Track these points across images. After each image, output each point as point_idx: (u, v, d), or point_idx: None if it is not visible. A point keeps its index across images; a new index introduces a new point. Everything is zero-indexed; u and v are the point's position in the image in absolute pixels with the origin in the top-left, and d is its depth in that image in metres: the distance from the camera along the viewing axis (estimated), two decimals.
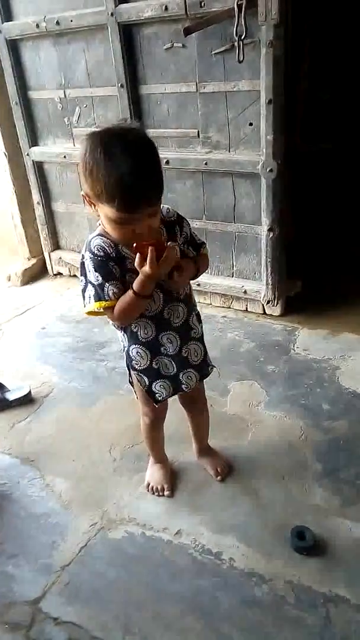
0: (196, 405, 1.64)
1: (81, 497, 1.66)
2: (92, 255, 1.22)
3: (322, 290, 2.70)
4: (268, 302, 2.51)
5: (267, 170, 2.18)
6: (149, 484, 1.66)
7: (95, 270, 1.22)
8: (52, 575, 1.43)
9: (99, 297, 1.24)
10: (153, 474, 1.68)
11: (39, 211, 3.11)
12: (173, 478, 1.68)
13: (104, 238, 1.23)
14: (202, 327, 1.49)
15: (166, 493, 1.63)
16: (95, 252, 1.22)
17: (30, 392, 2.13)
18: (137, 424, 1.91)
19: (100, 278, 1.22)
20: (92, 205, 1.18)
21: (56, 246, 3.21)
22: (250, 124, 2.21)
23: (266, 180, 2.21)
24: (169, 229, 1.31)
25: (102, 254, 1.22)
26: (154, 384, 1.44)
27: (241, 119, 2.23)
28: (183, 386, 1.46)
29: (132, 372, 1.45)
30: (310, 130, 2.88)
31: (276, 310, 2.52)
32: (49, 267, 3.27)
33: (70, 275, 3.19)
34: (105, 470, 1.76)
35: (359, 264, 2.93)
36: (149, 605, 1.34)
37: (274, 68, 2.00)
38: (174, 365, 1.43)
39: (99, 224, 1.26)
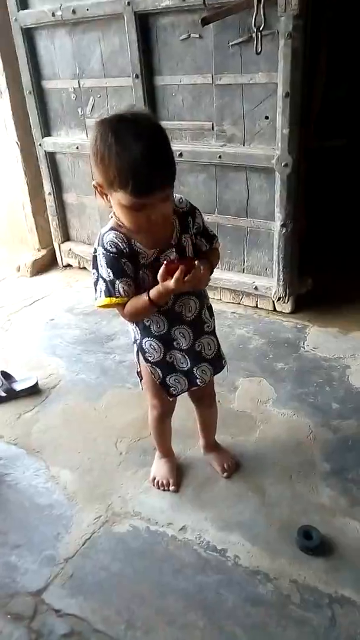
0: (205, 401, 1.62)
1: (86, 489, 1.66)
2: (104, 251, 1.21)
3: (333, 288, 2.67)
4: (279, 299, 2.48)
5: (282, 164, 2.15)
6: (154, 478, 1.65)
7: (107, 267, 1.21)
8: (56, 567, 1.42)
9: (109, 293, 1.23)
10: (159, 468, 1.66)
11: (49, 202, 3.09)
12: (179, 473, 1.67)
13: (116, 232, 1.21)
14: (214, 320, 1.47)
15: (172, 488, 1.61)
16: (108, 247, 1.20)
17: (37, 383, 2.12)
18: (143, 417, 1.91)
19: (111, 275, 1.21)
20: (104, 196, 1.17)
21: (66, 237, 3.20)
22: (266, 117, 2.18)
23: (281, 175, 2.18)
24: (182, 220, 1.29)
25: (114, 250, 1.20)
26: (168, 377, 1.43)
27: (257, 112, 2.19)
28: (198, 381, 1.44)
29: (145, 364, 1.43)
30: (325, 125, 2.84)
31: (287, 307, 2.49)
32: (58, 259, 3.26)
33: (79, 267, 3.18)
34: (111, 464, 1.75)
35: None
36: (153, 599, 1.33)
37: (292, 60, 1.96)
38: (187, 360, 1.41)
39: (111, 217, 1.24)
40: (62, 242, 3.19)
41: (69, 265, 3.24)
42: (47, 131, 2.91)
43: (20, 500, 1.64)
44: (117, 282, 1.21)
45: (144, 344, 1.39)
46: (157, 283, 1.20)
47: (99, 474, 1.71)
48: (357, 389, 1.99)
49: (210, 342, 1.44)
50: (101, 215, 2.96)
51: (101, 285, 1.24)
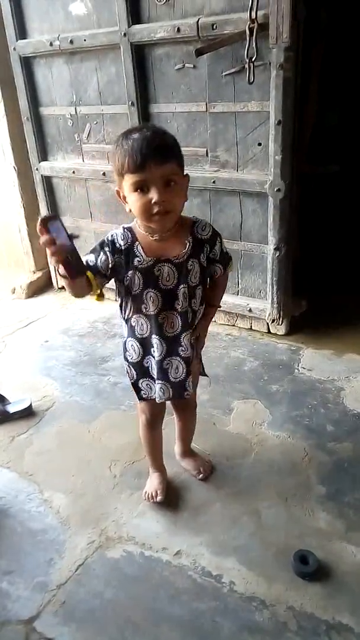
0: (184, 410, 1.67)
1: (80, 513, 1.63)
2: (104, 237, 1.33)
3: (327, 310, 2.69)
4: (273, 320, 2.50)
5: (275, 190, 2.19)
6: (145, 492, 1.66)
7: (96, 245, 1.33)
8: (48, 594, 1.39)
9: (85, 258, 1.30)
10: (150, 482, 1.69)
11: None
12: (168, 488, 1.68)
13: (126, 230, 1.32)
14: (193, 354, 1.46)
15: (158, 498, 1.63)
16: (108, 236, 1.33)
17: (31, 405, 2.11)
18: (138, 440, 1.89)
19: (93, 249, 1.32)
20: (124, 199, 1.26)
21: None
22: (259, 144, 2.23)
23: (273, 199, 2.22)
24: (197, 245, 1.34)
25: (110, 240, 1.32)
26: (141, 380, 1.49)
27: (250, 138, 2.25)
28: (156, 395, 1.47)
29: (124, 362, 1.49)
30: (318, 152, 2.91)
31: (281, 329, 2.51)
32: (54, 281, 3.28)
33: None
34: (105, 487, 1.73)
35: None
36: (147, 627, 1.30)
37: (284, 90, 2.02)
38: (155, 371, 1.44)
39: (135, 220, 1.33)
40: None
41: (63, 288, 3.24)
42: (44, 156, 2.96)
43: (12, 524, 1.61)
44: (89, 254, 1.32)
45: (127, 343, 1.45)
46: (147, 288, 1.32)
47: (93, 498, 1.69)
48: (351, 411, 1.99)
49: (180, 366, 1.43)
50: (97, 239, 2.97)
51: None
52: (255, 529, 1.54)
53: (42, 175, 2.98)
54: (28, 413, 2.09)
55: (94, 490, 1.72)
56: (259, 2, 1.92)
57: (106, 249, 1.31)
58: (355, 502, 1.60)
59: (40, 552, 1.51)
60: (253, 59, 2.01)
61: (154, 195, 1.18)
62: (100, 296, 1.36)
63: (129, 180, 1.19)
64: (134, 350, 1.44)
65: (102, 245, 1.32)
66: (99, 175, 2.74)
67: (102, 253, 1.31)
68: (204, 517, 1.59)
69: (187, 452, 1.77)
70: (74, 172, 2.84)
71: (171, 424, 1.74)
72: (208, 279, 1.44)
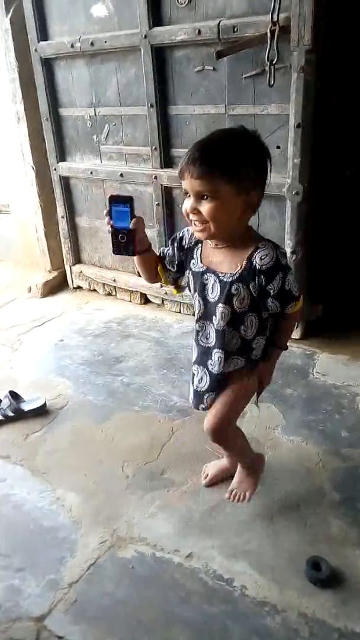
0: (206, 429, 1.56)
1: (92, 513, 1.64)
2: (183, 231, 1.38)
3: (343, 315, 2.67)
4: None
5: (293, 193, 2.18)
6: (206, 465, 1.74)
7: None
8: (59, 592, 1.40)
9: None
10: (217, 464, 1.73)
11: (62, 225, 3.15)
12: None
13: None
14: (225, 373, 1.38)
15: (203, 481, 1.69)
16: (178, 233, 1.38)
17: (45, 403, 2.12)
18: (151, 441, 1.90)
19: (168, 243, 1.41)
20: None
21: (77, 260, 3.24)
22: (278, 147, 2.22)
23: (291, 203, 2.21)
24: (250, 272, 1.24)
25: (180, 236, 1.37)
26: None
27: (269, 141, 2.20)
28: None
29: None
30: (337, 155, 2.88)
31: (296, 333, 2.49)
32: (69, 281, 3.30)
33: (90, 289, 3.21)
34: (117, 487, 1.73)
35: None
36: (157, 629, 1.30)
37: (304, 93, 2.01)
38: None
39: None
40: (73, 265, 3.23)
41: (79, 287, 3.27)
42: (62, 156, 2.99)
43: (25, 522, 1.62)
44: (165, 248, 1.42)
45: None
46: (196, 292, 1.34)
47: (105, 498, 1.69)
48: None
49: (204, 377, 1.42)
50: None
51: None
52: (267, 533, 1.53)
53: (60, 176, 3.00)
54: (42, 411, 2.10)
55: (106, 490, 1.72)
56: (281, 5, 1.91)
57: (175, 244, 1.37)
58: None
59: (52, 550, 1.52)
60: (274, 62, 2.00)
61: (186, 203, 1.20)
62: (177, 288, 1.45)
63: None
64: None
65: (173, 239, 1.38)
66: (116, 177, 2.75)
67: (170, 246, 1.38)
68: (216, 520, 1.59)
69: (236, 464, 1.66)
70: (91, 172, 2.85)
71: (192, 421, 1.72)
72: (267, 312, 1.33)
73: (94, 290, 3.19)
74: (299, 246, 2.29)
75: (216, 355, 1.37)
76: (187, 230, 1.34)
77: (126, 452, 1.88)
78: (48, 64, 2.78)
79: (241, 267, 1.25)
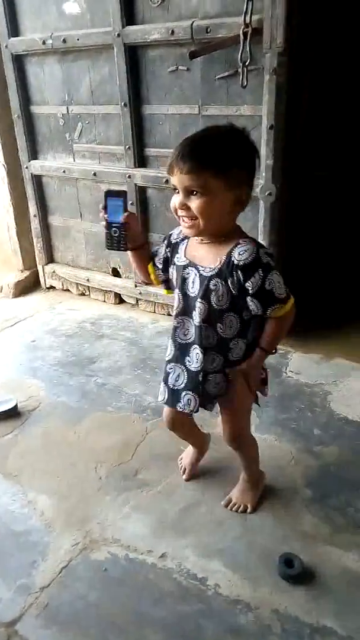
0: (223, 432, 1.55)
1: (64, 515, 1.61)
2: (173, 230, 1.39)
3: (315, 314, 2.70)
4: None
5: (266, 193, 2.20)
6: (181, 458, 1.75)
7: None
8: (31, 596, 1.37)
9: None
10: (187, 453, 1.75)
11: (34, 224, 3.10)
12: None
13: None
14: (202, 368, 1.34)
15: (184, 477, 1.71)
16: (174, 230, 1.37)
17: (16, 405, 2.08)
18: (124, 442, 1.89)
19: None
20: None
21: (50, 259, 3.20)
22: None
23: (264, 203, 2.23)
24: (228, 268, 1.22)
25: (169, 233, 1.38)
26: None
27: None
28: (159, 394, 1.50)
29: None
30: (308, 157, 2.93)
31: None
32: (42, 280, 3.25)
33: (63, 289, 3.17)
34: (90, 489, 1.71)
35: (352, 289, 2.95)
36: (131, 630, 1.29)
37: (277, 95, 2.03)
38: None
39: None
40: (46, 264, 3.19)
41: (52, 287, 3.23)
42: (34, 154, 2.95)
43: None
44: (156, 248, 1.42)
45: None
46: (177, 286, 1.33)
47: (78, 500, 1.67)
48: (338, 415, 2.00)
49: (182, 375, 1.41)
50: (86, 239, 2.97)
51: None
52: (241, 532, 1.54)
53: (32, 174, 2.96)
54: (13, 413, 2.07)
55: (79, 491, 1.70)
56: (254, 7, 1.93)
57: (165, 240, 1.38)
58: (340, 506, 1.60)
59: (23, 553, 1.49)
60: (247, 63, 2.01)
61: (175, 199, 1.20)
62: (167, 288, 1.43)
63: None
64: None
65: (166, 238, 1.39)
66: (89, 175, 2.73)
67: (162, 245, 1.39)
68: (190, 519, 1.58)
69: (242, 478, 1.64)
70: (64, 171, 2.82)
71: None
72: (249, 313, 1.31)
73: (67, 290, 3.16)
74: (272, 246, 2.30)
75: (194, 351, 1.35)
76: (177, 228, 1.35)
77: (99, 453, 1.86)
78: (19, 61, 2.74)
79: (220, 262, 1.23)
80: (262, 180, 2.20)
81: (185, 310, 1.34)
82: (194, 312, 1.31)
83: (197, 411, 1.42)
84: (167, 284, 1.43)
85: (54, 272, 3.16)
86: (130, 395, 2.16)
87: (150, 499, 1.65)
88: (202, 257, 1.28)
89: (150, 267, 1.42)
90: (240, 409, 1.49)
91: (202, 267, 1.27)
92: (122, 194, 1.28)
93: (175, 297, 1.35)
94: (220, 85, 2.20)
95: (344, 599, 1.34)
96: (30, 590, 1.39)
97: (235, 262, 1.20)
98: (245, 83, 2.05)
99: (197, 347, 1.34)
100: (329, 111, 3.13)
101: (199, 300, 1.28)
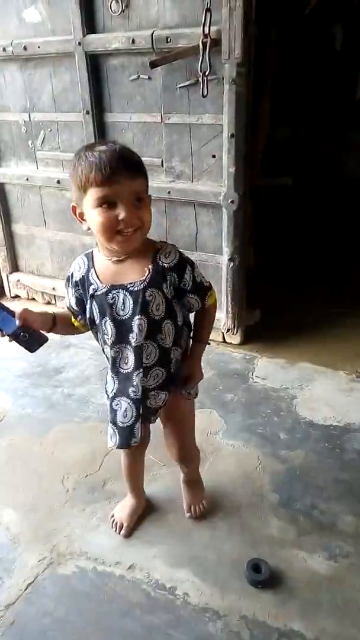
0: (174, 453, 1.55)
1: (30, 529, 1.59)
2: (68, 271, 1.29)
3: (281, 319, 2.75)
4: (228, 330, 2.52)
5: (229, 201, 2.23)
6: (112, 516, 1.60)
7: (65, 281, 1.30)
8: None
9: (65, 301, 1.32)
10: (122, 507, 1.61)
11: None
12: (140, 518, 1.61)
13: (85, 259, 1.26)
14: (147, 389, 1.31)
15: (123, 532, 1.56)
16: (69, 270, 1.28)
17: None
18: (92, 453, 1.88)
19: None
20: (82, 215, 1.18)
21: (15, 268, 3.15)
22: (213, 156, 2.26)
23: (227, 211, 2.26)
24: (158, 274, 1.21)
25: (70, 272, 1.27)
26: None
27: (204, 150, 2.28)
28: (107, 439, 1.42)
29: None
30: (271, 165, 2.98)
31: (236, 338, 2.54)
32: (6, 290, 3.20)
33: (28, 298, 3.13)
34: (57, 501, 1.69)
35: (316, 294, 3.02)
36: None
37: (237, 104, 2.06)
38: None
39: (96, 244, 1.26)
40: (11, 273, 3.13)
41: (17, 297, 3.18)
42: None
43: None
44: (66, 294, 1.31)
45: (107, 375, 1.39)
46: (103, 317, 1.23)
47: (45, 513, 1.65)
48: (304, 419, 2.03)
49: (128, 409, 1.33)
50: (51, 247, 2.94)
51: None
52: (209, 539, 1.54)
53: None
54: None
55: (46, 505, 1.68)
56: (212, 18, 1.95)
57: (69, 286, 1.27)
58: (305, 509, 1.63)
59: None
60: (207, 73, 2.04)
61: (121, 211, 1.10)
62: (84, 326, 1.31)
63: (94, 194, 1.10)
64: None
65: (67, 282, 1.28)
66: (53, 183, 2.70)
67: (68, 291, 1.27)
68: (158, 529, 1.58)
69: (189, 481, 1.64)
70: (27, 179, 2.79)
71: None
72: (188, 313, 1.33)
73: (33, 299, 3.11)
74: (236, 253, 2.33)
75: (137, 377, 1.27)
76: (75, 263, 1.26)
77: (66, 465, 1.84)
78: None
79: (149, 271, 1.20)
80: (225, 188, 2.23)
81: (121, 337, 1.24)
82: (130, 335, 1.23)
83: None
84: (90, 323, 1.29)
85: (18, 281, 3.11)
86: (97, 405, 2.15)
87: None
88: (123, 274, 1.21)
89: (74, 321, 1.30)
90: (191, 427, 1.48)
91: (129, 284, 1.20)
92: None
93: (104, 328, 1.24)
94: (181, 94, 2.22)
95: (311, 601, 1.36)
96: None
97: (166, 265, 1.21)
98: (206, 92, 2.07)
99: (138, 370, 1.27)
100: (290, 119, 3.20)
101: (137, 317, 1.20)
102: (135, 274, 1.20)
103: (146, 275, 1.20)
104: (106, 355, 1.33)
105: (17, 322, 1.14)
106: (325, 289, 3.08)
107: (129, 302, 1.20)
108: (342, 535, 1.54)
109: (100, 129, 2.47)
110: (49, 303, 3.06)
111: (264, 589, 1.39)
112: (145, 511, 1.63)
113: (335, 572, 1.43)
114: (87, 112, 2.44)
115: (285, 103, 3.05)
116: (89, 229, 1.18)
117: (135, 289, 1.20)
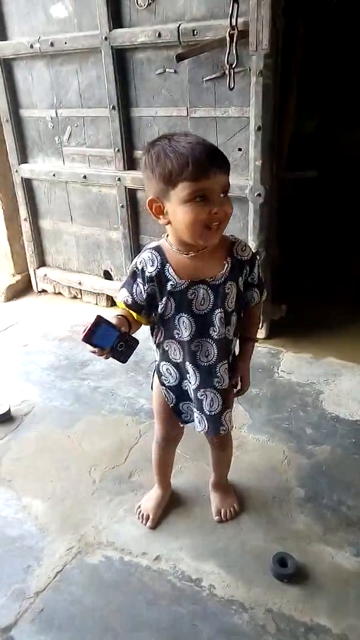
0: (219, 446, 1.54)
1: (59, 519, 1.62)
2: (134, 264, 1.24)
3: (306, 314, 2.72)
4: None
5: (255, 194, 2.21)
6: (139, 507, 1.62)
7: (128, 276, 1.25)
8: (26, 602, 1.37)
9: (120, 297, 1.25)
10: (149, 499, 1.62)
11: (25, 228, 3.10)
12: (166, 510, 1.62)
13: (155, 253, 1.21)
14: (231, 381, 1.37)
15: (148, 524, 1.57)
16: (137, 262, 1.23)
17: (9, 410, 2.08)
18: (118, 445, 1.90)
19: (125, 282, 1.25)
20: (160, 210, 1.15)
21: (42, 263, 3.19)
22: (239, 149, 2.25)
23: (254, 204, 2.24)
24: (236, 267, 1.23)
25: (139, 268, 1.22)
26: (181, 403, 1.41)
27: (230, 144, 2.26)
28: (195, 424, 1.40)
29: (160, 386, 1.41)
30: (297, 158, 2.94)
31: (261, 333, 2.52)
32: (33, 284, 3.25)
33: (55, 293, 3.17)
34: (84, 492, 1.72)
35: (342, 289, 2.97)
36: (125, 633, 1.29)
37: (264, 96, 2.04)
38: (193, 399, 1.37)
39: (163, 237, 1.24)
40: (38, 268, 3.18)
41: (44, 291, 3.23)
42: (24, 158, 2.94)
43: None
44: (123, 289, 1.25)
45: (161, 367, 1.37)
46: (179, 312, 1.23)
47: (72, 504, 1.67)
48: (330, 414, 2.01)
49: (215, 399, 1.33)
50: (77, 242, 2.97)
51: (122, 287, 1.27)
52: (234, 532, 1.55)
53: (22, 178, 2.95)
54: (6, 418, 2.06)
55: (73, 495, 1.70)
56: (239, 10, 1.94)
57: (139, 280, 1.22)
58: (332, 504, 1.62)
59: (18, 559, 1.49)
60: (233, 66, 2.02)
61: (214, 206, 1.08)
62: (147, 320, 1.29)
63: (187, 188, 1.07)
64: (170, 374, 1.36)
65: (134, 276, 1.22)
66: (79, 178, 2.73)
67: (135, 285, 1.22)
68: (184, 521, 1.59)
69: (218, 484, 1.64)
70: (54, 174, 2.82)
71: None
72: (246, 306, 1.34)
73: (59, 293, 3.15)
74: (262, 247, 2.32)
75: (221, 369, 1.30)
76: (143, 259, 1.22)
77: (93, 456, 1.86)
78: (7, 65, 2.74)
79: (228, 264, 1.21)
80: (251, 181, 2.21)
81: (202, 332, 1.25)
82: (211, 329, 1.25)
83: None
84: (159, 318, 1.28)
85: (45, 275, 3.16)
86: (123, 398, 2.17)
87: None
88: (202, 269, 1.20)
89: (138, 317, 1.25)
90: (230, 421, 1.47)
91: (210, 278, 1.20)
92: (98, 321, 1.07)
93: (178, 323, 1.25)
94: (207, 87, 2.21)
95: (337, 597, 1.35)
96: (25, 596, 1.39)
97: (243, 258, 1.24)
98: (232, 85, 2.06)
99: (224, 362, 1.30)
100: (316, 111, 3.16)
101: (218, 310, 1.23)
102: (214, 267, 1.21)
103: (226, 268, 1.21)
104: (163, 349, 1.32)
105: (121, 330, 1.11)
106: (351, 284, 3.04)
107: (209, 296, 1.22)
108: None
109: (127, 124, 2.48)
110: (75, 297, 3.10)
111: (290, 584, 1.39)
112: (171, 504, 1.65)
113: None
114: (113, 107, 2.45)
115: (312, 95, 3.01)
116: (168, 223, 1.15)
117: (217, 282, 1.21)
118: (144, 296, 1.22)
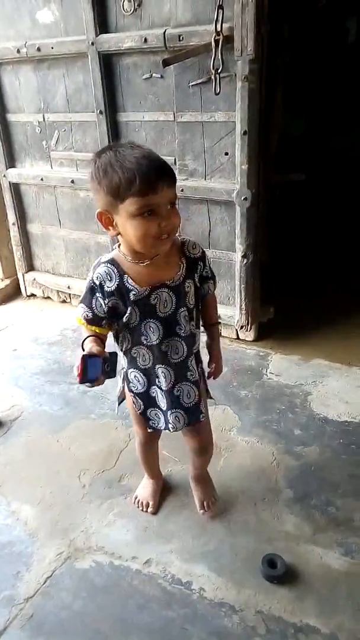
0: (199, 434, 1.53)
1: (48, 524, 1.61)
2: (90, 279, 1.25)
3: (294, 316, 2.74)
4: (241, 327, 2.53)
5: (242, 198, 2.23)
6: (136, 497, 1.65)
7: (85, 290, 1.26)
8: (15, 608, 1.37)
9: (80, 313, 1.27)
10: (143, 487, 1.67)
11: (13, 232, 3.09)
12: (162, 496, 1.67)
13: (110, 267, 1.23)
14: (200, 370, 1.44)
15: (150, 510, 1.62)
16: (94, 278, 1.24)
17: None
18: (108, 449, 1.90)
19: (84, 298, 1.26)
20: (110, 222, 1.17)
21: (30, 267, 3.19)
22: (226, 154, 2.26)
23: (240, 208, 2.26)
24: (190, 265, 1.29)
25: (97, 283, 1.23)
26: (149, 410, 1.43)
27: (217, 148, 2.28)
28: (170, 426, 1.41)
29: (128, 393, 1.43)
30: (284, 161, 2.97)
31: (249, 335, 2.54)
32: (22, 288, 3.24)
33: (44, 297, 3.16)
34: (74, 497, 1.71)
35: (330, 290, 3.00)
36: (116, 638, 1.30)
37: (249, 101, 2.06)
38: (165, 402, 1.39)
39: (114, 248, 1.27)
40: (26, 272, 3.17)
41: (33, 295, 3.22)
42: (11, 162, 2.93)
43: None
44: (81, 305, 1.26)
45: (129, 374, 1.39)
46: (145, 319, 1.26)
47: (62, 508, 1.67)
48: (318, 415, 2.03)
49: (191, 391, 1.39)
50: (66, 246, 2.97)
51: (80, 304, 1.28)
52: (224, 534, 1.55)
53: (9, 182, 2.95)
54: None
55: (63, 500, 1.70)
56: (224, 15, 1.95)
57: (97, 294, 1.23)
58: (321, 505, 1.63)
59: (7, 565, 1.49)
60: (219, 71, 2.04)
61: (161, 219, 1.12)
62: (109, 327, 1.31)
63: (134, 203, 1.09)
64: (138, 381, 1.38)
65: (92, 291, 1.24)
66: (67, 183, 2.73)
67: (94, 300, 1.23)
68: (174, 524, 1.60)
69: (200, 477, 1.65)
70: (42, 179, 2.82)
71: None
72: (202, 298, 1.40)
73: (48, 297, 3.15)
74: (249, 250, 2.33)
75: (191, 360, 1.38)
76: (100, 275, 1.22)
77: (83, 461, 1.86)
78: None
79: (183, 264, 1.28)
80: (238, 185, 2.23)
81: (169, 332, 1.30)
82: (178, 327, 1.29)
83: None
84: (123, 326, 1.30)
85: (34, 280, 3.15)
86: (112, 402, 2.16)
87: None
88: (160, 273, 1.24)
89: (100, 330, 1.26)
90: (206, 408, 1.50)
91: (168, 280, 1.25)
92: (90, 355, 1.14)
93: (145, 329, 1.28)
94: (194, 92, 2.23)
95: (327, 597, 1.36)
96: (15, 602, 1.38)
97: (195, 256, 1.31)
98: (218, 90, 2.08)
99: (192, 356, 1.38)
100: (303, 114, 3.19)
101: (181, 309, 1.28)
102: (171, 269, 1.26)
103: (182, 268, 1.27)
104: (131, 356, 1.35)
105: (103, 354, 1.16)
106: (340, 286, 3.06)
107: (172, 297, 1.26)
108: (358, 531, 1.54)
109: (114, 129, 2.49)
110: (64, 302, 3.09)
111: (280, 585, 1.39)
112: (161, 506, 1.65)
113: (352, 569, 1.43)
114: (101, 112, 2.46)
115: (299, 97, 3.04)
116: (117, 234, 1.18)
117: (175, 284, 1.26)
118: (105, 309, 1.25)
